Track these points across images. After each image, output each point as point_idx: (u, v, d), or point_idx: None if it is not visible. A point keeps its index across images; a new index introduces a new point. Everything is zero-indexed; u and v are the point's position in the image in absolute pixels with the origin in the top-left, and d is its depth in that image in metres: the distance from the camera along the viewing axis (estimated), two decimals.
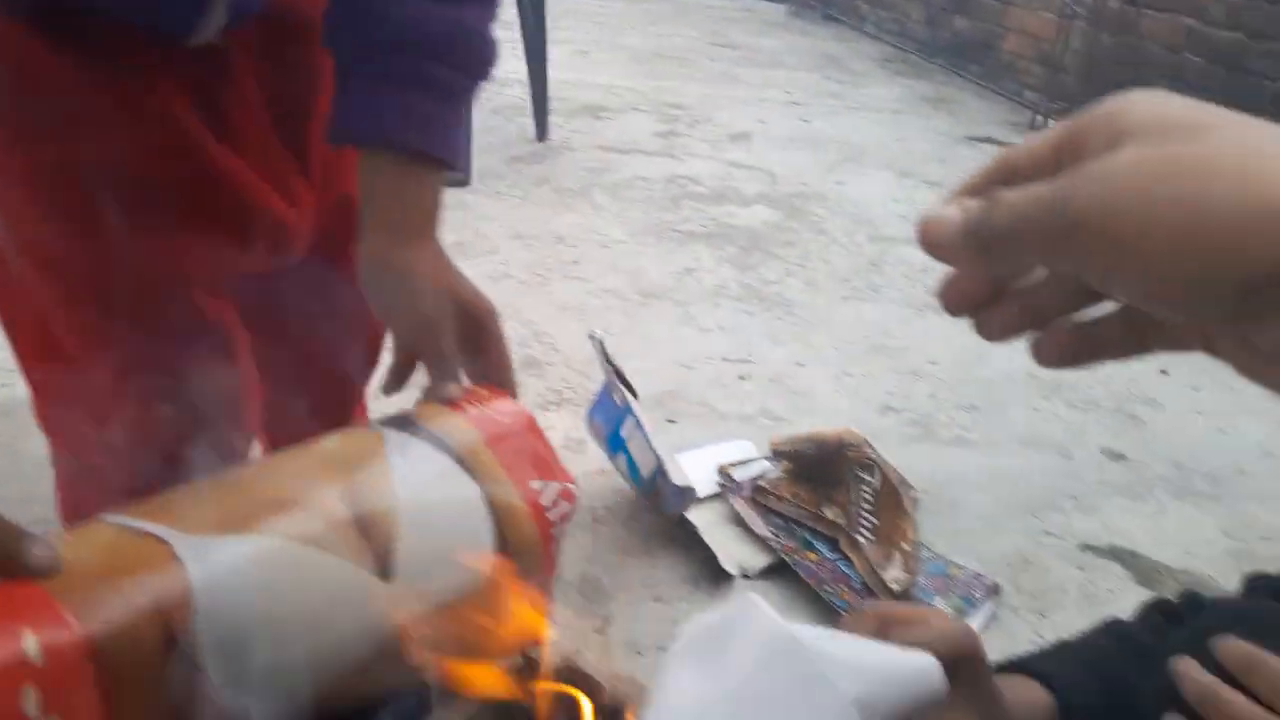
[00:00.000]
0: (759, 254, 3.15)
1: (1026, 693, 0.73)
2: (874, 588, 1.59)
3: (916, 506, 1.70)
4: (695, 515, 1.75)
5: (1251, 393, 2.56)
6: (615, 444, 1.72)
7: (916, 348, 2.64)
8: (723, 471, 1.83)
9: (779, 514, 1.75)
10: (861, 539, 1.65)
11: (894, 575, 1.59)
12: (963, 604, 1.59)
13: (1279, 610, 0.74)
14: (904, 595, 1.58)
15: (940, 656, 0.57)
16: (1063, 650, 0.81)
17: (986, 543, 1.83)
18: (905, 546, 1.63)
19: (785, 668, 0.59)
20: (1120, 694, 0.74)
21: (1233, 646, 0.62)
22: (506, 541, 0.69)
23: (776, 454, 1.84)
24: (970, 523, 1.89)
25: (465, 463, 0.70)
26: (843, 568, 1.64)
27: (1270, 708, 0.59)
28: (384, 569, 0.61)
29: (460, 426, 0.73)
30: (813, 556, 1.66)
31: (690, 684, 0.63)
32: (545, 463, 0.75)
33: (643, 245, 3.13)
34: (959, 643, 0.62)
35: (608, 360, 1.69)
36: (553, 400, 2.22)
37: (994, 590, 1.65)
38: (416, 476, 0.67)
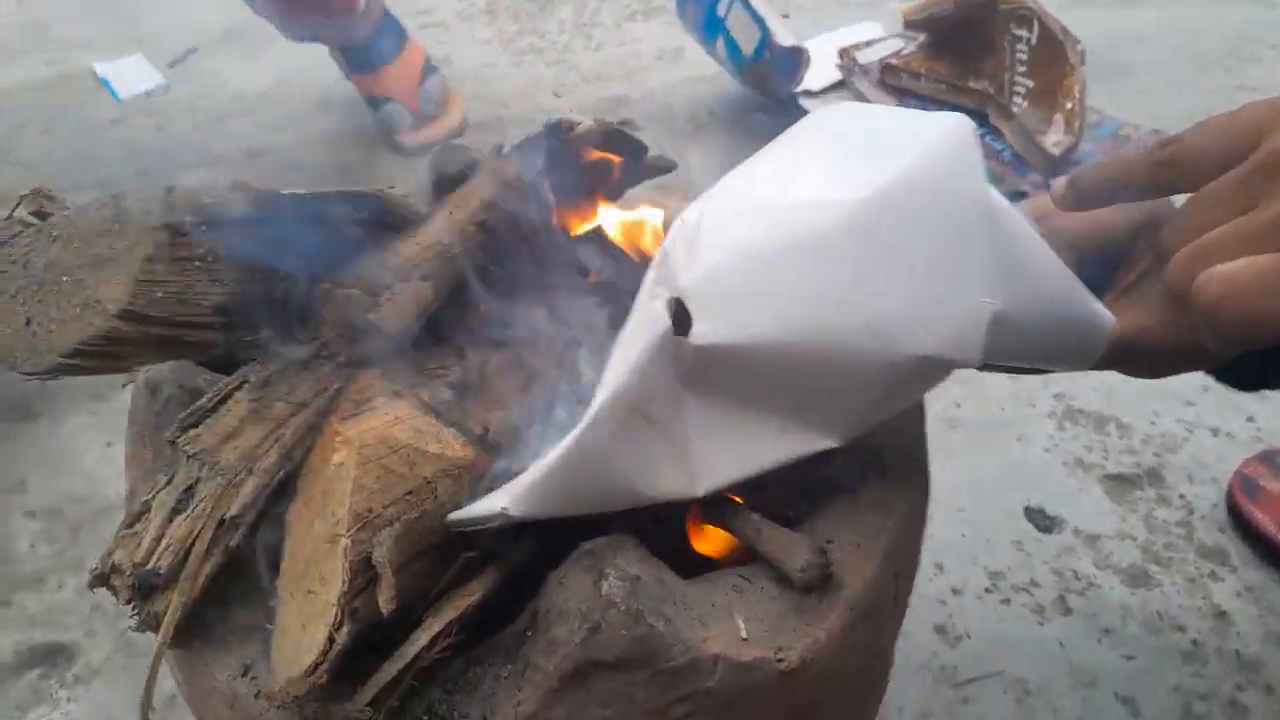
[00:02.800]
0: None
1: None
2: (1028, 157, 1.36)
3: (1084, 60, 1.41)
4: (814, 105, 1.52)
5: None
6: (712, 28, 1.48)
7: None
8: (845, 54, 1.57)
9: (913, 93, 1.51)
10: (1015, 106, 1.40)
11: (1054, 139, 1.35)
12: None
13: None
14: (1065, 159, 1.35)
15: (1131, 226, 0.47)
16: None
17: (1167, 103, 1.54)
18: (1068, 105, 1.37)
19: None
20: None
21: None
22: None
23: (910, 27, 1.55)
24: (1146, 82, 1.59)
25: None
26: (990, 141, 1.40)
27: None
28: None
29: None
30: None
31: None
32: None
33: None
34: (1145, 209, 0.47)
35: None
36: (640, 10, 1.96)
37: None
38: None
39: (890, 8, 1.84)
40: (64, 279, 0.52)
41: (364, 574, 0.40)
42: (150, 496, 0.49)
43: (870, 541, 0.50)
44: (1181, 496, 0.97)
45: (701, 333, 0.42)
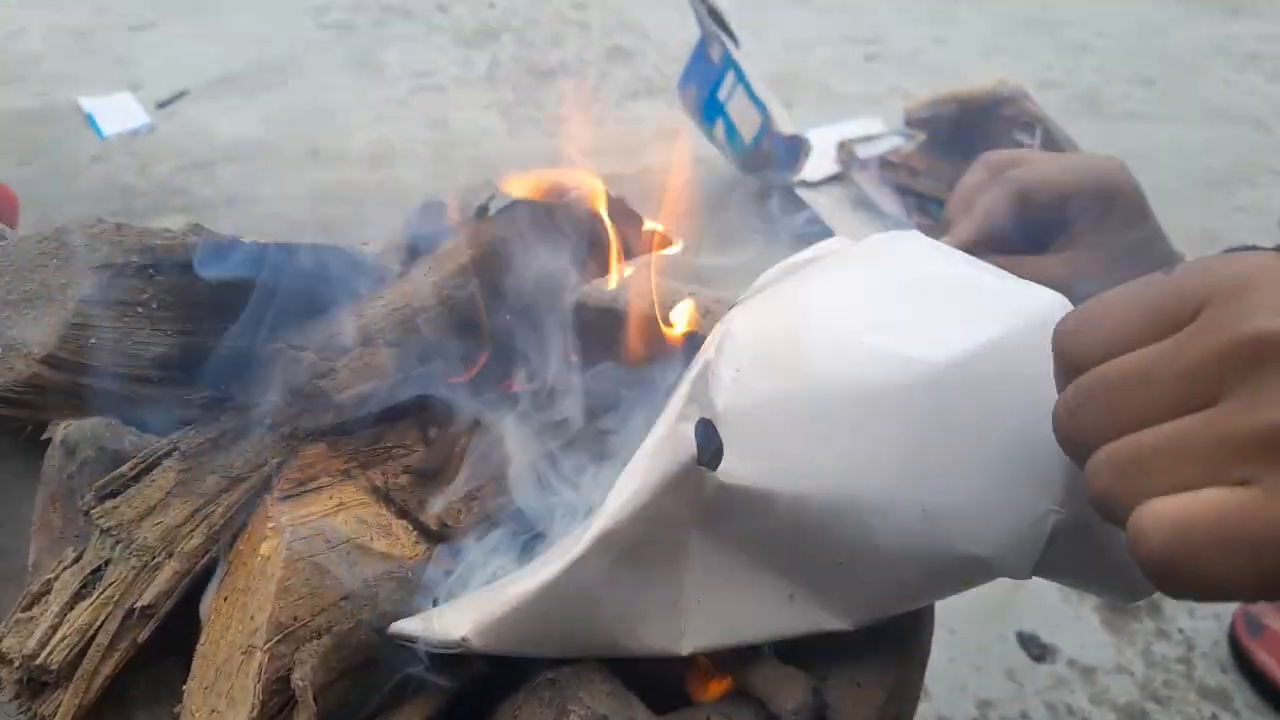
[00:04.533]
0: None
1: None
2: None
3: None
4: (812, 196, 1.50)
5: None
6: (711, 110, 1.46)
7: (1082, 21, 2.22)
8: (844, 147, 1.55)
9: (912, 191, 1.49)
10: None
11: None
12: None
13: None
14: None
15: (1083, 187, 0.49)
16: None
17: (1166, 219, 1.52)
18: None
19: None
20: None
21: None
22: None
23: (911, 123, 1.54)
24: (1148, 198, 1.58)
25: None
26: None
27: None
28: None
29: None
30: None
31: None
32: None
33: None
34: (1102, 172, 0.50)
35: (704, 1, 1.39)
36: (642, 89, 1.95)
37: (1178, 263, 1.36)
38: None
39: (891, 104, 1.84)
40: None
41: (281, 694, 0.33)
42: (53, 576, 0.42)
43: (871, 680, 0.44)
44: (1181, 630, 0.91)
45: (733, 471, 0.36)
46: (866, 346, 0.36)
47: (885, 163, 1.50)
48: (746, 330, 0.38)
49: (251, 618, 0.34)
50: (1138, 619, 0.92)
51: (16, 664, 0.39)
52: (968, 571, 0.37)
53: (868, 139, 1.57)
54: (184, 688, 0.38)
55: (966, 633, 0.89)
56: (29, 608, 0.41)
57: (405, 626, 0.36)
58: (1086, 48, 2.10)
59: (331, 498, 0.40)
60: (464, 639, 0.34)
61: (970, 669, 0.86)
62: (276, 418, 0.44)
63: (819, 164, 1.54)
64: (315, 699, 0.33)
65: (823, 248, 0.55)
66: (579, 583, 0.34)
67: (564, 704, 0.35)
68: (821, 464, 0.36)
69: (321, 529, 0.37)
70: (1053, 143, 1.38)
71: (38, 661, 0.39)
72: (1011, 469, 0.36)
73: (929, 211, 1.45)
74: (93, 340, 0.46)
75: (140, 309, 0.48)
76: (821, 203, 1.48)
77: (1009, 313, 0.37)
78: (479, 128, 1.81)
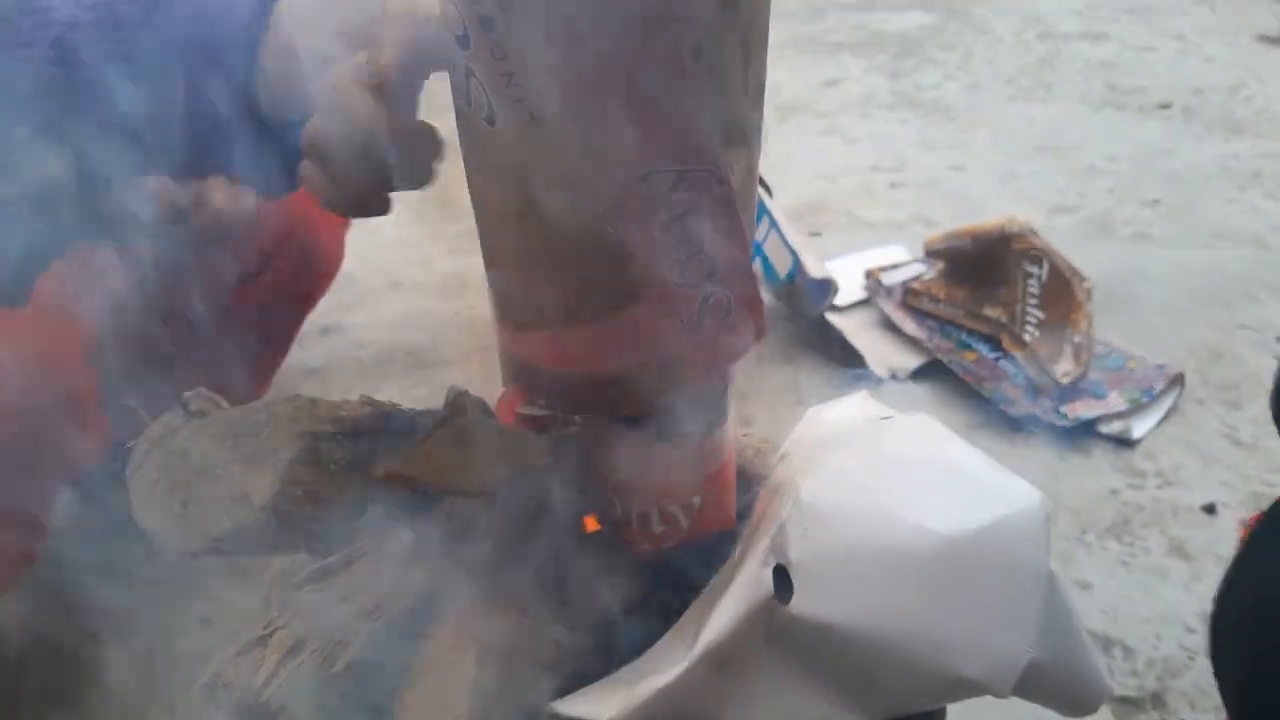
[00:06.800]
0: (913, 60, 2.90)
1: None
2: (1039, 383, 1.47)
3: (1090, 297, 1.55)
4: (840, 320, 1.66)
5: None
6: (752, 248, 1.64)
7: (1091, 145, 2.39)
8: (870, 275, 1.72)
9: (933, 316, 1.64)
10: (1027, 335, 1.52)
11: (1064, 369, 1.46)
12: (1140, 396, 1.45)
13: None
14: (1074, 388, 1.46)
15: None
16: None
17: (1170, 337, 1.66)
18: (1076, 339, 1.50)
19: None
20: None
21: None
22: None
23: (930, 254, 1.71)
24: (1152, 316, 1.71)
25: None
26: (1004, 365, 1.52)
27: None
28: None
29: None
30: (971, 356, 1.55)
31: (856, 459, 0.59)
32: None
33: (780, 57, 2.94)
34: None
35: None
36: None
37: (1176, 381, 1.50)
38: None
39: (913, 229, 2.01)
40: (218, 471, 0.63)
41: None
42: (267, 633, 0.58)
43: None
44: None
45: (800, 605, 0.51)
46: (898, 518, 0.52)
47: (908, 290, 1.66)
48: (811, 500, 0.54)
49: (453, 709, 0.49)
50: (1145, 710, 1.03)
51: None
52: (963, 688, 0.53)
53: (892, 267, 1.74)
54: None
55: None
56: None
57: (565, 708, 0.51)
58: (1096, 170, 2.27)
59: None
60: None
61: None
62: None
63: (847, 290, 1.70)
64: None
65: (850, 405, 0.70)
66: (689, 684, 0.50)
67: None
68: (864, 605, 0.51)
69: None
70: (1059, 274, 1.54)
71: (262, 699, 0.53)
72: (998, 616, 0.51)
73: (948, 334, 1.60)
74: (298, 492, 0.62)
75: (332, 466, 0.64)
76: (849, 326, 1.64)
77: (997, 503, 0.53)
78: None
